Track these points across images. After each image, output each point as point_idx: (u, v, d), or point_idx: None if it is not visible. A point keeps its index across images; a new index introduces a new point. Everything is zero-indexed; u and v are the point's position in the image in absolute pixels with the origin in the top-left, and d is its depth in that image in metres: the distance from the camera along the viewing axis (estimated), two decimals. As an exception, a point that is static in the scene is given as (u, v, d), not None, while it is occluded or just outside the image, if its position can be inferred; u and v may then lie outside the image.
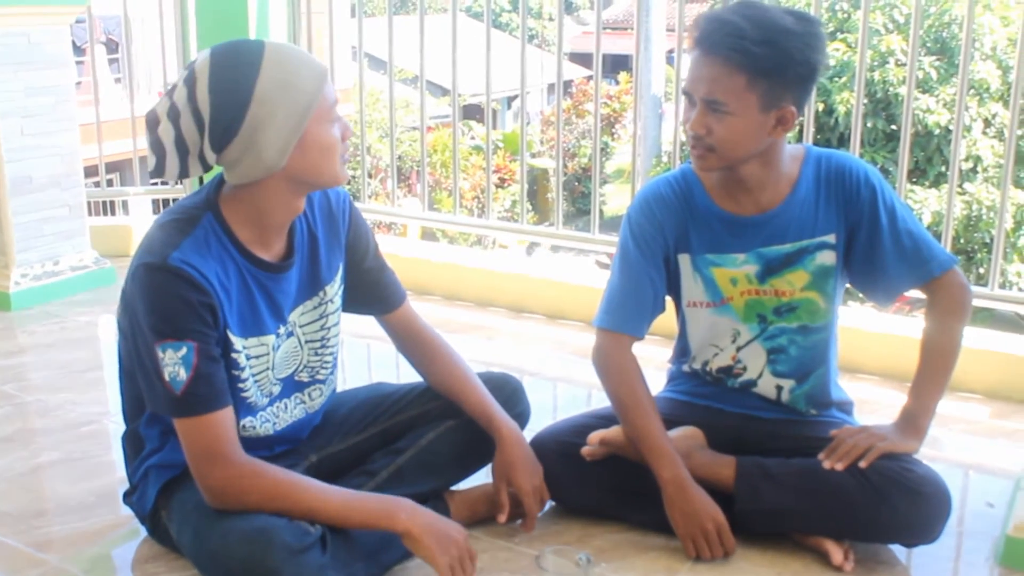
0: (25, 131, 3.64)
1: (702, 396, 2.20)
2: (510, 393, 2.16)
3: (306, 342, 1.98)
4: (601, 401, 2.22)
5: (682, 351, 2.24)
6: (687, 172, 2.10)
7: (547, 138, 18.12)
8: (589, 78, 16.96)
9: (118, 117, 4.84)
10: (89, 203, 4.07)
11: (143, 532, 2.05)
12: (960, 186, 8.81)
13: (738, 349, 2.12)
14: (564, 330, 3.50)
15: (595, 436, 2.09)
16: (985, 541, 2.10)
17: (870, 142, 9.16)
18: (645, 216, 2.10)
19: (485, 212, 4.12)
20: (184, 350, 1.71)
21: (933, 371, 2.06)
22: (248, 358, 1.85)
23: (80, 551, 2.05)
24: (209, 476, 1.74)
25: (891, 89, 9.10)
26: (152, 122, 1.78)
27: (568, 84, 18.05)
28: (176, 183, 4.56)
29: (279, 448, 1.99)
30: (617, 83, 18.07)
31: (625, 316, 2.11)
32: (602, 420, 2.15)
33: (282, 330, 1.91)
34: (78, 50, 9.67)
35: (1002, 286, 3.14)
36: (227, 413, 1.76)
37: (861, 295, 2.20)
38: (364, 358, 3.29)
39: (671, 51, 13.78)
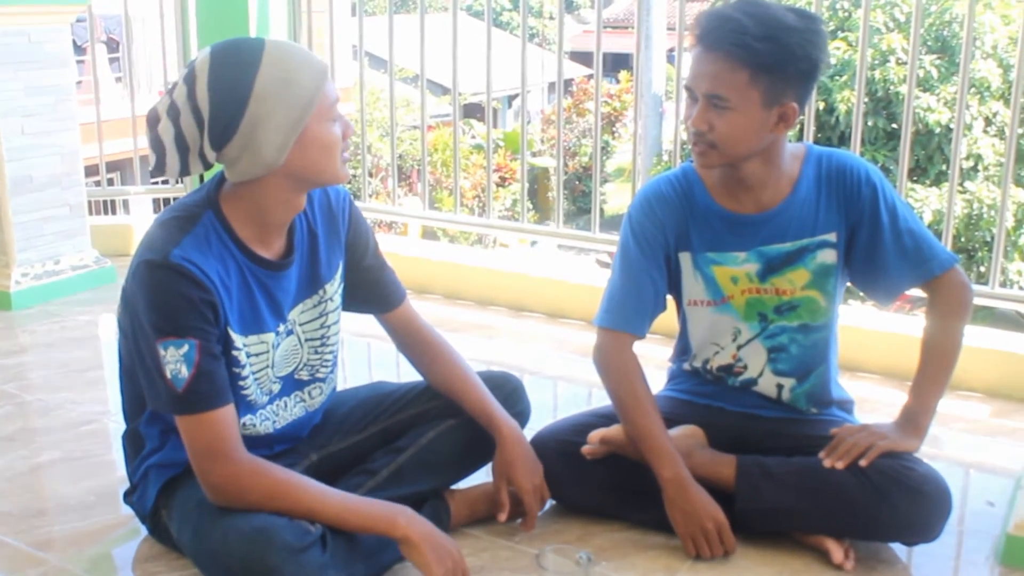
0: (26, 130, 3.64)
1: (703, 395, 2.20)
2: (510, 392, 2.16)
3: (306, 340, 1.98)
4: (601, 400, 2.22)
5: (683, 350, 2.24)
6: (688, 170, 2.10)
7: (548, 137, 18.12)
8: (590, 77, 16.95)
9: (119, 116, 4.85)
10: (90, 202, 4.07)
11: (143, 531, 2.05)
12: (961, 185, 8.80)
13: (739, 348, 2.12)
14: (564, 329, 3.50)
15: (595, 435, 2.09)
16: (986, 540, 2.10)
17: (871, 141, 9.16)
18: (646, 215, 2.10)
19: (486, 211, 4.13)
20: (186, 347, 1.71)
21: (934, 370, 2.06)
22: (248, 356, 1.85)
23: (81, 550, 2.05)
24: (211, 473, 1.74)
25: (892, 88, 9.09)
26: (153, 120, 1.79)
27: (569, 83, 18.05)
28: (177, 182, 4.57)
29: (279, 447, 1.99)
30: (618, 82, 18.06)
31: (626, 315, 2.10)
32: (602, 419, 2.15)
33: (282, 328, 1.91)
34: (79, 49, 9.68)
35: (1003, 284, 3.14)
36: (229, 410, 1.76)
37: (862, 294, 2.20)
38: (364, 357, 3.29)
39: (672, 50, 13.79)
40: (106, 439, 2.58)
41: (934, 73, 9.18)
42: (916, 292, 2.18)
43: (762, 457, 2.04)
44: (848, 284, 2.15)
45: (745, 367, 2.14)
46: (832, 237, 2.05)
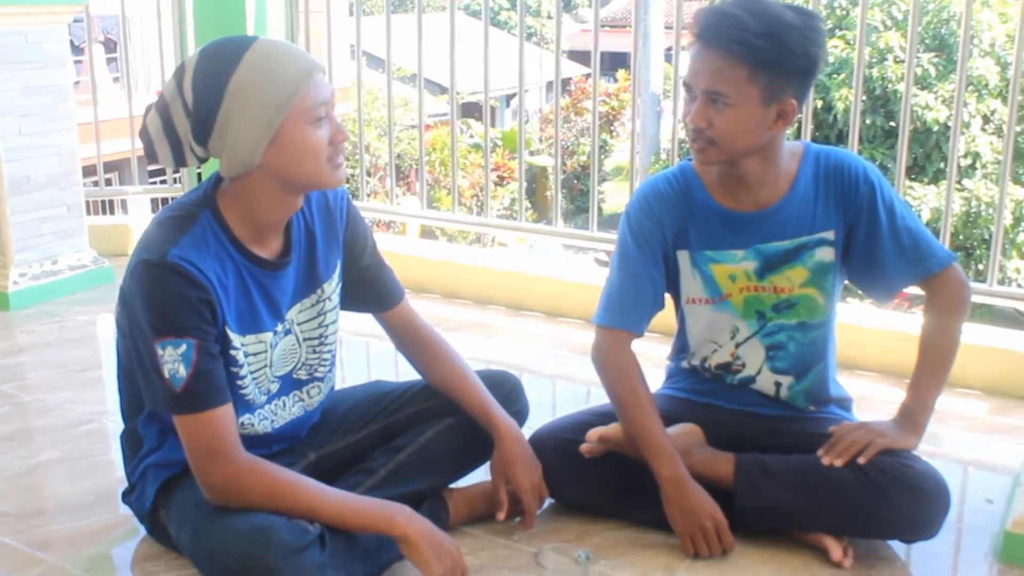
0: (23, 130, 3.64)
1: (701, 393, 2.20)
2: (509, 391, 2.16)
3: (304, 340, 1.97)
4: (600, 398, 2.22)
5: (681, 348, 2.24)
6: (686, 169, 2.10)
7: (546, 136, 18.13)
8: (587, 76, 16.96)
9: (116, 116, 4.84)
10: (87, 202, 4.07)
11: (142, 531, 2.05)
12: (959, 182, 8.82)
13: (737, 346, 2.12)
14: (563, 327, 3.50)
15: (594, 433, 2.09)
16: (984, 537, 2.10)
17: (869, 139, 9.17)
18: (644, 213, 2.10)
19: (484, 210, 4.12)
20: (184, 347, 1.71)
21: (932, 367, 2.06)
22: (246, 355, 1.85)
23: (79, 550, 2.05)
24: (210, 473, 1.74)
25: (890, 86, 9.10)
26: (146, 111, 1.81)
27: (566, 82, 18.06)
28: (175, 181, 4.57)
29: (277, 446, 1.99)
30: (615, 81, 18.06)
31: (624, 313, 2.10)
32: (601, 417, 2.15)
33: (279, 328, 1.91)
34: (76, 49, 9.67)
35: (1001, 282, 3.14)
36: (227, 410, 1.76)
37: (860, 292, 2.20)
38: (363, 356, 3.29)
39: (669, 48, 13.78)
40: (104, 439, 2.58)
41: (932, 71, 9.19)
42: (914, 290, 2.18)
43: (761, 455, 2.04)
44: (846, 282, 2.15)
45: (743, 365, 2.14)
46: (830, 235, 2.05)
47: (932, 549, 2.02)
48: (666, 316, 2.18)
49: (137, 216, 4.81)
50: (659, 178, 2.13)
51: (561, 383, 3.08)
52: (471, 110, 18.68)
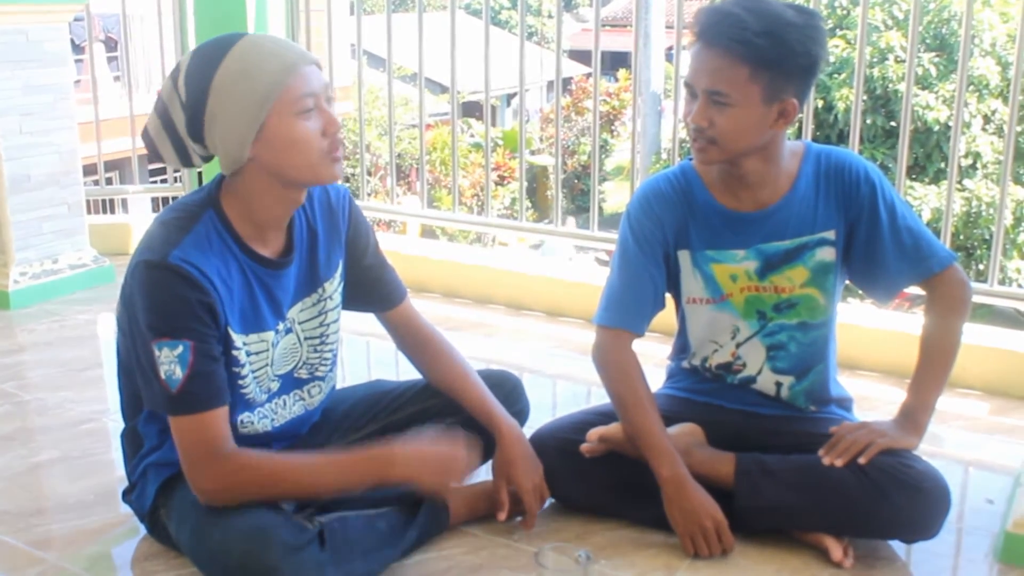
0: (24, 129, 3.64)
1: (701, 393, 2.20)
2: (509, 390, 2.16)
3: (305, 339, 1.97)
4: (601, 398, 2.22)
5: (681, 348, 2.23)
6: (687, 168, 2.10)
7: (546, 135, 18.12)
8: (588, 75, 16.95)
9: (117, 115, 4.85)
10: (88, 201, 4.07)
11: (142, 530, 2.05)
12: (959, 182, 8.81)
13: (738, 346, 2.12)
14: (563, 327, 3.50)
15: (594, 433, 2.08)
16: (985, 537, 2.10)
17: (869, 139, 9.17)
18: (644, 212, 2.10)
19: (484, 209, 4.12)
20: (180, 348, 1.70)
21: (933, 367, 2.06)
22: (248, 355, 1.84)
23: (79, 549, 2.05)
24: (201, 477, 1.74)
25: (890, 85, 9.10)
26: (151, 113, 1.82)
27: (567, 81, 18.06)
28: (175, 180, 4.57)
29: (277, 445, 1.99)
30: (616, 80, 18.06)
31: (625, 313, 2.10)
32: (601, 417, 2.15)
33: (281, 326, 1.91)
34: (77, 48, 9.66)
35: (1001, 282, 3.14)
36: (222, 413, 1.76)
37: (860, 292, 2.20)
38: (363, 355, 3.29)
39: (670, 48, 13.77)
40: (105, 438, 2.58)
41: (933, 71, 9.19)
42: (915, 290, 2.18)
43: (761, 455, 2.04)
44: (847, 282, 2.15)
45: (744, 365, 2.14)
46: (831, 235, 2.05)
47: (932, 549, 2.01)
48: (667, 316, 2.18)
49: (138, 215, 4.81)
50: (660, 178, 2.13)
51: (562, 383, 3.08)
52: (472, 109, 18.68)
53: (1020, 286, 8.42)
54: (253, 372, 1.86)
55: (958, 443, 2.59)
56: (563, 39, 3.93)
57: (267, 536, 1.66)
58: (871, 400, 2.73)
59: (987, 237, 8.78)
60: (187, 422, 1.73)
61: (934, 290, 2.06)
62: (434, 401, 2.10)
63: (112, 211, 5.53)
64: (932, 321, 2.07)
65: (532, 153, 17.40)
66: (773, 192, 2.04)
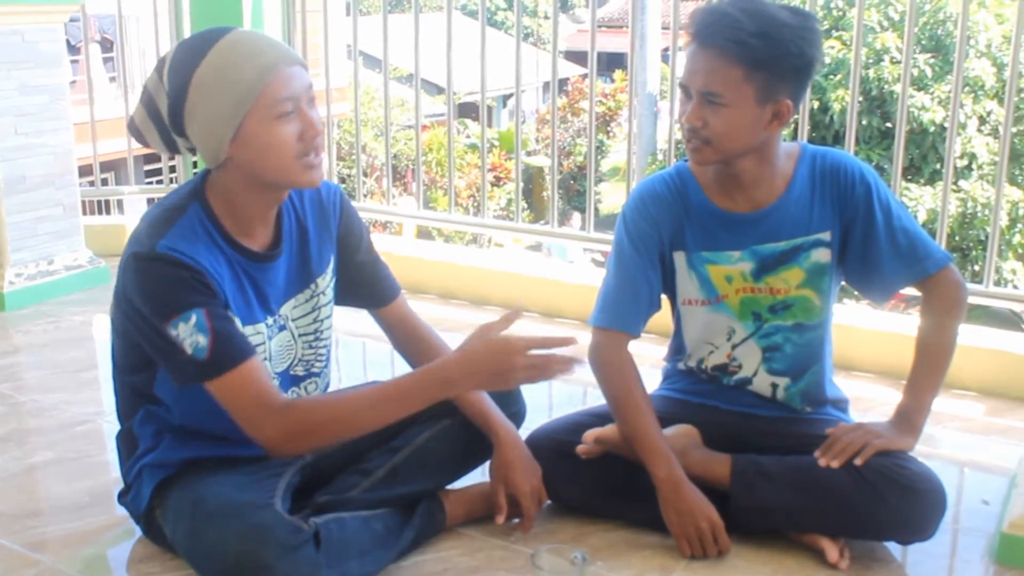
0: (19, 130, 3.63)
1: (697, 394, 2.20)
2: (506, 392, 2.16)
3: (299, 335, 1.97)
4: (597, 399, 2.22)
5: (677, 349, 2.23)
6: (682, 169, 2.10)
7: (542, 136, 18.11)
8: (584, 76, 16.95)
9: (113, 116, 4.83)
10: (84, 202, 4.06)
11: (138, 532, 2.04)
12: (955, 184, 8.84)
13: (733, 347, 2.12)
14: (559, 328, 3.50)
15: (590, 434, 2.08)
16: (980, 538, 2.10)
17: (865, 140, 9.19)
18: (640, 213, 2.10)
19: (480, 210, 4.12)
20: (194, 318, 1.69)
21: (928, 368, 2.06)
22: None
23: (75, 551, 2.05)
24: (263, 429, 1.71)
25: (886, 87, 9.12)
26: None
27: (563, 82, 18.05)
28: (171, 182, 4.56)
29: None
30: (612, 81, 18.05)
31: (621, 314, 2.10)
32: (597, 418, 2.15)
33: (271, 320, 1.90)
34: (73, 49, 9.65)
35: (997, 283, 3.15)
36: (257, 361, 1.74)
37: (856, 293, 2.20)
38: (359, 357, 3.29)
39: (666, 49, 13.79)
40: (100, 440, 2.57)
41: (928, 72, 9.22)
42: (911, 291, 2.18)
43: (757, 456, 2.04)
44: (842, 283, 2.15)
45: (740, 366, 2.14)
46: (826, 236, 2.05)
47: (928, 550, 2.02)
48: (663, 317, 2.18)
49: (133, 216, 4.79)
50: (655, 179, 2.13)
51: (558, 384, 3.07)
52: (468, 110, 18.68)
53: (1016, 287, 8.44)
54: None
55: (954, 444, 2.59)
56: (559, 40, 3.93)
57: (263, 536, 1.66)
58: (867, 401, 2.73)
59: (982, 238, 8.80)
60: (228, 381, 1.71)
61: (930, 291, 2.07)
62: (430, 402, 2.10)
63: (108, 212, 5.50)
64: (928, 322, 2.07)
65: (528, 154, 17.40)
66: (768, 193, 2.04)
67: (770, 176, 2.03)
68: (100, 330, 3.45)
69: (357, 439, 2.06)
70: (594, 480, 2.11)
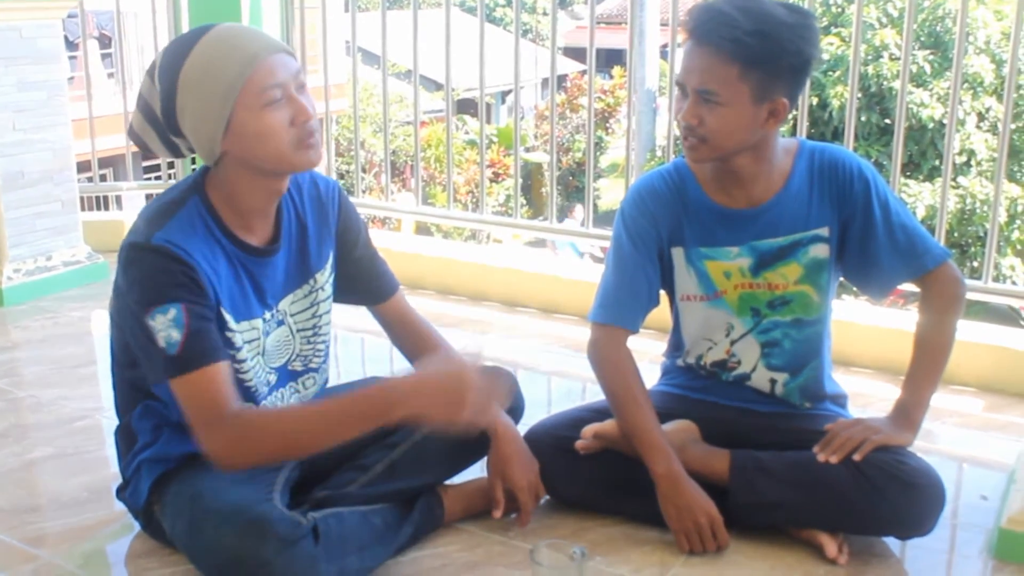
0: (17, 126, 3.63)
1: (696, 389, 2.20)
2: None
3: (298, 331, 1.97)
4: (595, 395, 2.22)
5: (676, 345, 2.23)
6: (680, 165, 2.10)
7: (541, 132, 18.10)
8: (583, 72, 16.94)
9: (111, 112, 4.84)
10: (82, 198, 4.06)
11: (136, 527, 2.04)
12: (954, 180, 8.84)
13: (732, 343, 2.12)
14: (558, 324, 3.50)
15: (589, 430, 2.09)
16: (979, 534, 2.10)
17: (864, 136, 9.19)
18: (638, 209, 2.10)
19: (479, 207, 4.12)
20: (172, 312, 1.69)
21: (927, 364, 2.06)
22: (244, 342, 1.84)
23: (73, 546, 2.05)
24: (211, 440, 1.69)
25: (885, 83, 9.12)
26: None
27: (562, 78, 18.04)
28: (169, 177, 4.56)
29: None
30: (611, 77, 18.04)
31: (620, 310, 2.10)
32: (596, 414, 2.15)
33: (268, 315, 1.90)
34: (71, 45, 9.64)
35: (996, 279, 3.14)
36: (224, 367, 1.72)
37: (855, 288, 2.20)
38: (358, 352, 3.29)
39: (665, 46, 13.78)
40: (99, 435, 2.57)
41: (927, 68, 9.21)
42: (909, 287, 2.18)
43: (756, 452, 2.04)
44: (841, 279, 2.15)
45: (739, 362, 2.14)
46: (824, 232, 2.05)
47: (927, 545, 2.02)
48: (661, 313, 2.18)
49: (132, 212, 4.79)
50: (654, 175, 2.13)
51: (556, 379, 3.08)
52: (466, 106, 18.67)
53: (1014, 283, 8.45)
54: (250, 359, 1.86)
55: (952, 440, 2.60)
56: (558, 36, 3.92)
57: (261, 531, 1.66)
58: (866, 397, 2.73)
59: (981, 234, 8.80)
60: (189, 381, 1.70)
61: (928, 287, 2.07)
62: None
63: (106, 208, 5.52)
64: (926, 318, 2.08)
65: (527, 150, 17.40)
66: (766, 189, 2.04)
67: (768, 172, 2.03)
68: (98, 326, 3.45)
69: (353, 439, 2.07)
70: (593, 476, 2.11)
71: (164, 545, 1.97)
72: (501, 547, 2.04)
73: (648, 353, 2.35)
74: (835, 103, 9.05)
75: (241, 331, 1.84)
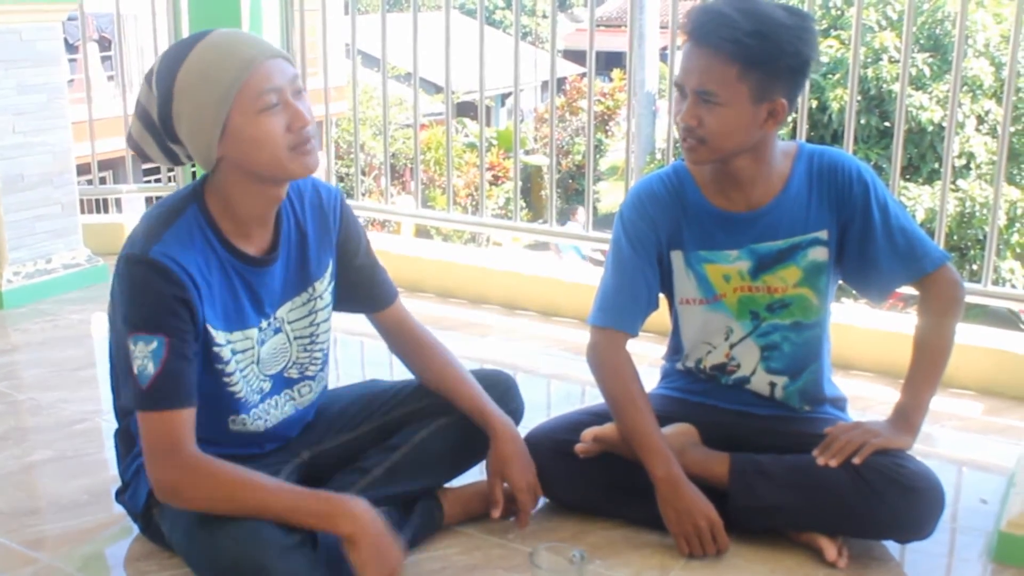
0: (17, 129, 3.63)
1: (696, 393, 2.20)
2: (503, 390, 2.16)
3: (295, 338, 1.97)
4: (595, 398, 2.22)
5: (675, 348, 2.23)
6: (679, 168, 2.10)
7: (541, 135, 18.12)
8: (583, 75, 16.95)
9: (111, 115, 4.83)
10: (82, 201, 4.06)
11: (135, 530, 2.04)
12: (953, 183, 8.84)
13: (731, 346, 2.12)
14: (557, 327, 3.50)
15: (588, 433, 2.08)
16: (978, 537, 2.10)
17: (863, 139, 9.19)
18: (638, 213, 2.10)
19: (479, 209, 4.12)
20: (154, 344, 1.70)
21: (926, 367, 2.06)
22: (234, 352, 1.84)
23: (73, 549, 2.05)
24: (159, 469, 1.72)
25: (884, 86, 9.12)
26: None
27: (562, 81, 18.05)
28: (169, 179, 4.56)
29: (270, 445, 1.99)
30: (611, 80, 18.05)
31: (619, 313, 2.10)
32: (596, 417, 2.15)
33: (265, 324, 1.90)
34: (71, 47, 9.65)
35: (995, 282, 3.14)
36: (189, 414, 1.74)
37: (854, 292, 2.20)
38: (357, 355, 3.29)
39: (665, 48, 13.79)
40: (98, 438, 2.57)
41: (927, 71, 9.21)
42: (908, 290, 2.18)
43: (756, 455, 2.04)
44: (840, 282, 2.15)
45: (738, 365, 2.14)
46: (824, 235, 2.05)
47: (926, 549, 2.02)
48: (661, 316, 2.18)
49: (131, 215, 4.79)
50: (652, 178, 2.13)
51: (556, 383, 3.08)
52: (466, 109, 18.67)
53: (1014, 286, 8.44)
54: (240, 370, 1.86)
55: (952, 443, 2.60)
56: (558, 39, 3.92)
57: (260, 536, 1.65)
58: (865, 400, 2.73)
59: (980, 237, 8.80)
60: (153, 418, 1.72)
61: (927, 290, 2.07)
62: (428, 400, 2.10)
63: (106, 211, 5.50)
64: (925, 321, 2.08)
65: (527, 153, 17.41)
66: (765, 192, 2.04)
67: (767, 175, 2.03)
68: (98, 328, 3.45)
69: (355, 437, 2.07)
70: (593, 479, 2.11)
71: (163, 548, 1.97)
72: (500, 550, 2.04)
73: (647, 357, 2.35)
74: (835, 106, 9.05)
75: (232, 342, 1.84)
